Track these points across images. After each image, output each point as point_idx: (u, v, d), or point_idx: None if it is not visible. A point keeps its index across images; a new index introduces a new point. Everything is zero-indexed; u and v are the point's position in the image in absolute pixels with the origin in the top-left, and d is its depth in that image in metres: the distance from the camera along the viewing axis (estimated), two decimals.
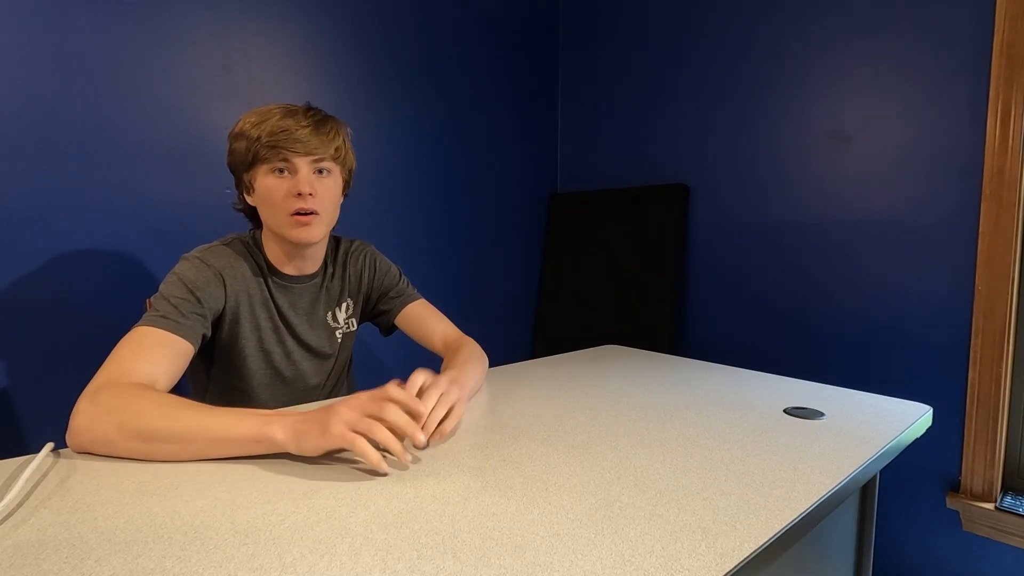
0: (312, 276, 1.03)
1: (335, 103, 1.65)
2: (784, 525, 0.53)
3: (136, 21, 1.31)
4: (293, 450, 0.64)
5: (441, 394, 0.75)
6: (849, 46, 1.54)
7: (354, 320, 1.11)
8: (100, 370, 0.73)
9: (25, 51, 1.19)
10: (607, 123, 2.13)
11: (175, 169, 1.39)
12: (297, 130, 0.88)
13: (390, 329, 1.15)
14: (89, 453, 0.66)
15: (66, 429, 0.67)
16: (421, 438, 0.66)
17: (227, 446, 0.65)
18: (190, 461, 0.65)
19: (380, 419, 0.64)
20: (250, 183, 0.93)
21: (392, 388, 0.67)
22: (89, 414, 0.66)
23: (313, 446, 0.63)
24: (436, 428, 0.72)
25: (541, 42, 2.21)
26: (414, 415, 0.67)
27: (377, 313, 1.14)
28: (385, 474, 0.62)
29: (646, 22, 1.99)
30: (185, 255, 0.92)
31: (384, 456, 0.62)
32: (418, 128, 1.86)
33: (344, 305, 1.09)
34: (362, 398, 0.66)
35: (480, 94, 2.02)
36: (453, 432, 0.75)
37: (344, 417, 0.63)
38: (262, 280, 0.97)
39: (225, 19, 1.44)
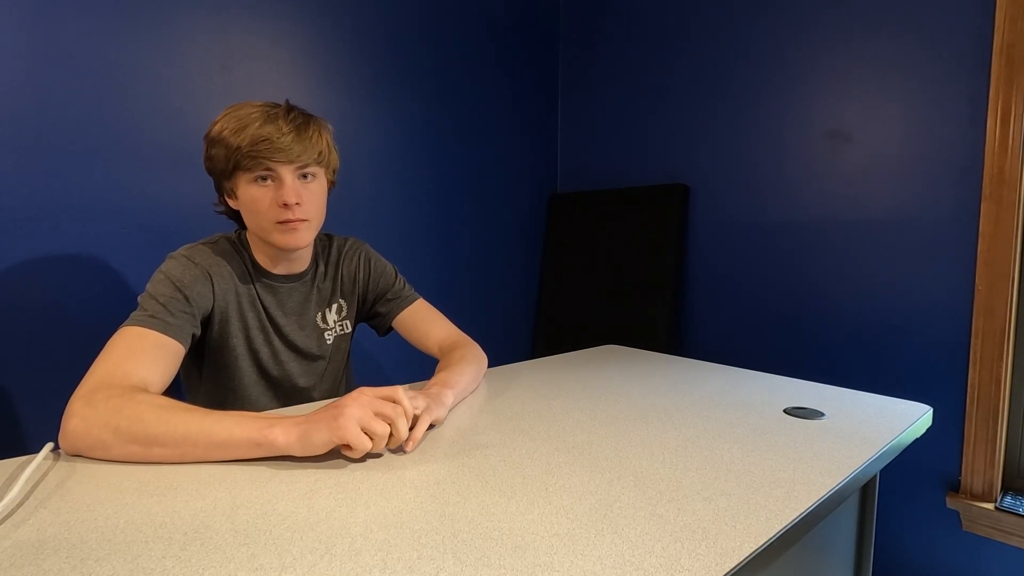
0: (301, 276, 1.02)
1: (334, 103, 1.65)
2: (784, 525, 0.53)
3: (136, 21, 1.31)
4: (297, 452, 0.64)
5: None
6: (849, 46, 1.54)
7: (348, 322, 1.10)
8: (90, 371, 0.72)
9: (24, 51, 1.18)
10: (607, 123, 2.13)
11: (175, 169, 1.39)
12: (279, 138, 0.85)
13: (387, 330, 1.13)
14: (82, 456, 0.66)
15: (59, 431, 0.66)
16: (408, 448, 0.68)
17: (227, 450, 0.64)
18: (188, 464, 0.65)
19: (390, 420, 0.65)
20: (232, 190, 0.91)
21: (400, 393, 0.68)
22: (84, 417, 0.65)
23: (322, 442, 0.63)
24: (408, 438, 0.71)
25: (541, 42, 2.21)
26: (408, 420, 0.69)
27: (373, 315, 1.12)
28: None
29: (646, 22, 1.99)
30: (171, 254, 0.90)
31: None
32: (418, 128, 1.85)
33: (335, 306, 1.07)
34: (369, 395, 0.67)
35: (480, 93, 2.02)
36: (424, 436, 0.74)
37: (356, 415, 0.63)
38: (249, 279, 0.96)
39: (225, 19, 1.44)
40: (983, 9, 1.32)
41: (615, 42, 2.09)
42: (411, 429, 0.70)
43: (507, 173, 2.13)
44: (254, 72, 1.50)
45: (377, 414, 0.65)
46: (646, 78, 2.00)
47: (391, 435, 0.66)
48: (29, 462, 0.62)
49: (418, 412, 0.73)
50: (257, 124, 0.85)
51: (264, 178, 0.88)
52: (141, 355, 0.75)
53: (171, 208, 1.39)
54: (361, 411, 0.64)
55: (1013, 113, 1.29)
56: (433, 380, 0.89)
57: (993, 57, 1.30)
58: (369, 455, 0.67)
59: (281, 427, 0.64)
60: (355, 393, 0.67)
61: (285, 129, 0.86)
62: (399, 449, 0.69)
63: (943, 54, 1.39)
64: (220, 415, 0.65)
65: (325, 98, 1.63)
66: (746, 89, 1.75)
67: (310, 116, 0.92)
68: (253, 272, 0.97)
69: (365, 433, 0.64)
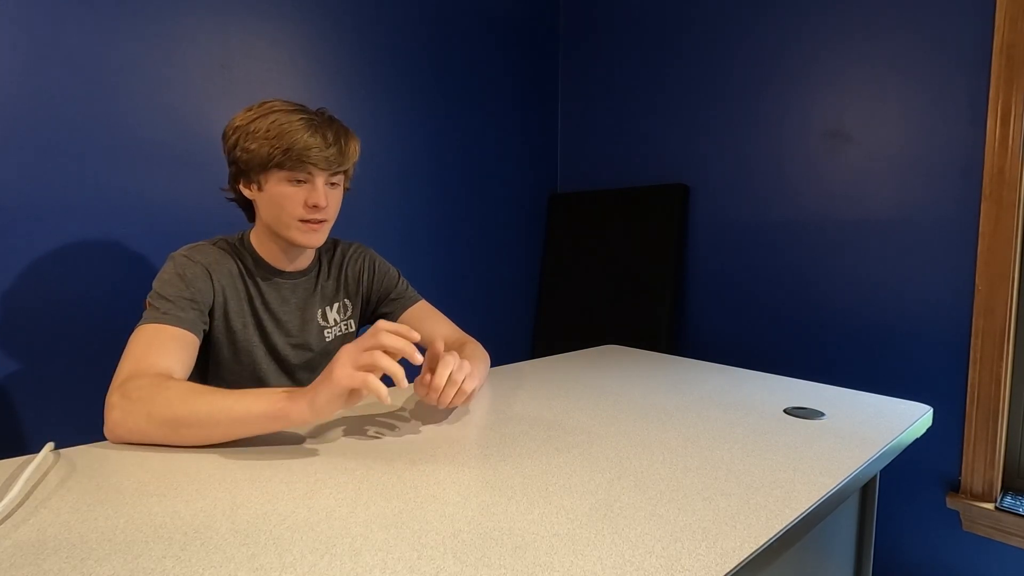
0: (304, 272, 1.05)
1: (335, 103, 1.65)
2: (784, 525, 0.53)
3: (136, 21, 1.31)
4: (310, 418, 0.66)
5: (458, 363, 0.81)
6: (849, 46, 1.54)
7: (353, 322, 1.12)
8: (119, 367, 0.77)
9: (24, 50, 1.18)
10: (607, 123, 2.13)
11: (174, 169, 1.39)
12: (326, 148, 0.91)
13: None
14: (127, 443, 0.70)
15: (103, 424, 0.70)
16: (419, 357, 0.69)
17: (247, 426, 0.68)
18: (217, 445, 0.68)
19: (377, 347, 0.67)
20: (261, 182, 0.94)
21: (382, 322, 0.70)
22: (122, 407, 0.69)
23: (326, 399, 0.65)
24: (459, 388, 0.78)
25: (541, 42, 2.21)
26: (408, 339, 0.71)
27: (378, 316, 1.15)
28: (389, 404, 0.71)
29: (646, 22, 1.99)
30: (171, 254, 0.94)
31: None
32: (418, 128, 1.85)
33: (337, 305, 1.10)
34: (355, 340, 0.69)
35: (480, 94, 2.02)
36: (468, 400, 0.83)
37: (344, 360, 0.66)
38: (250, 275, 0.99)
39: (225, 19, 1.44)
40: (983, 9, 1.32)
41: (615, 42, 2.09)
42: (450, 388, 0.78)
43: (507, 173, 2.13)
44: (254, 72, 1.50)
45: (365, 350, 0.67)
46: (646, 78, 2.00)
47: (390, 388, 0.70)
48: (29, 462, 0.62)
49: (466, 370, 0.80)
50: (303, 132, 0.90)
51: (301, 180, 0.93)
52: (161, 347, 0.81)
53: (171, 208, 1.39)
54: (348, 356, 0.66)
55: (1013, 113, 1.29)
56: None
57: (993, 57, 1.30)
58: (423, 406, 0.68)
59: (292, 399, 0.67)
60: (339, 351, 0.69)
61: (331, 140, 0.92)
62: (452, 392, 0.78)
63: (943, 54, 1.39)
64: (239, 393, 0.69)
65: (325, 98, 1.63)
66: (746, 89, 1.75)
67: (348, 130, 0.97)
68: (255, 268, 1.00)
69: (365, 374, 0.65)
